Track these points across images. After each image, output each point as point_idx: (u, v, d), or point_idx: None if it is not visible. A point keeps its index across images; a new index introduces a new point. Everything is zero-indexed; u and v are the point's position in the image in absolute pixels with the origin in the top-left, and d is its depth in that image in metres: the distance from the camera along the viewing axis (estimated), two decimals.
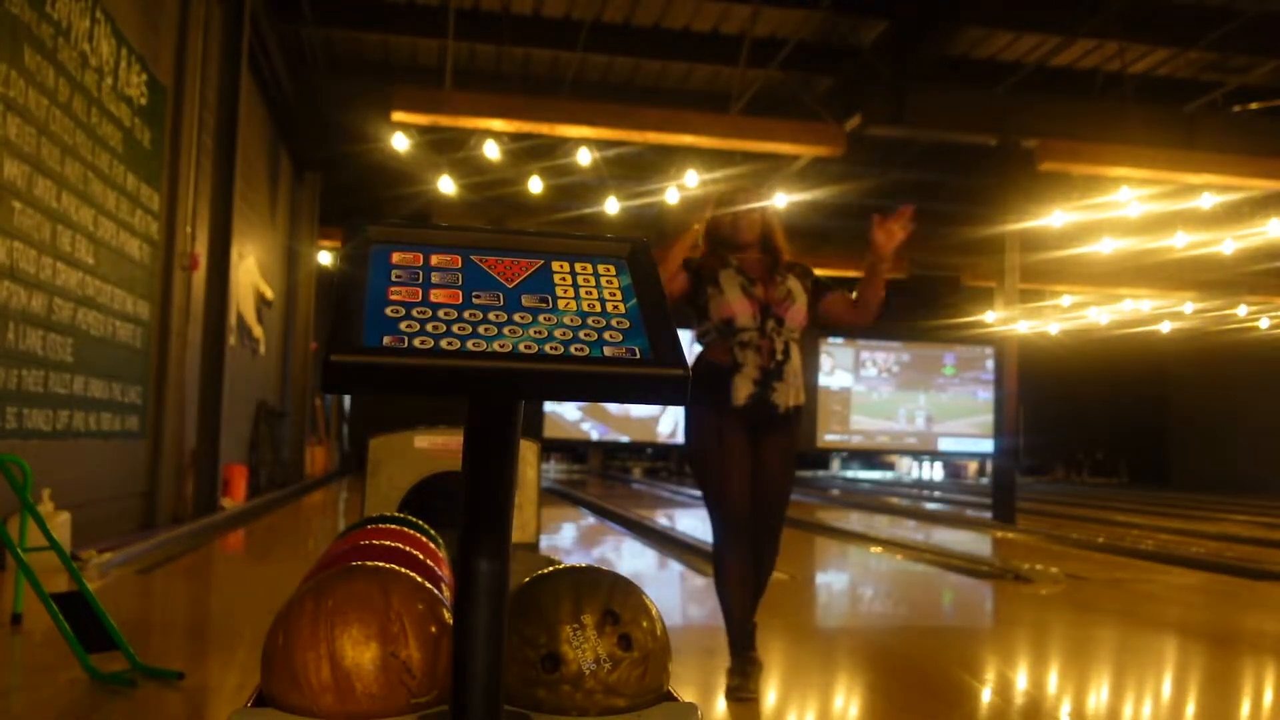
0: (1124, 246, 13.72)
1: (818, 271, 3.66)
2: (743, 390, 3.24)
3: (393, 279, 0.96)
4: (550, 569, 1.26)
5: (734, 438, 3.26)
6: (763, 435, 3.31)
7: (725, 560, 3.29)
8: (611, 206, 13.92)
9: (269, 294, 13.01)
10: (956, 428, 25.90)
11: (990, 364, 23.03)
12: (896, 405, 25.90)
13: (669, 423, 24.70)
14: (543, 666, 1.15)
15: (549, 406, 23.44)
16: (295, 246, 15.27)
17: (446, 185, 13.38)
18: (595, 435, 24.93)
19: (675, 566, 6.92)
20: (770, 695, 3.42)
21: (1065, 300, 18.50)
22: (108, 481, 7.06)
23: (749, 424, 3.28)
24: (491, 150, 11.85)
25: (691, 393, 3.09)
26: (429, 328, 0.90)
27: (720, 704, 3.21)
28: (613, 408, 23.99)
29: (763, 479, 3.28)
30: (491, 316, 0.93)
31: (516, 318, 0.93)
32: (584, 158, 12.26)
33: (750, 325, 3.27)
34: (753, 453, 3.30)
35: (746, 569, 3.29)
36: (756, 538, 3.28)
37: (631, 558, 7.64)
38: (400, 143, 11.62)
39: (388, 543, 1.47)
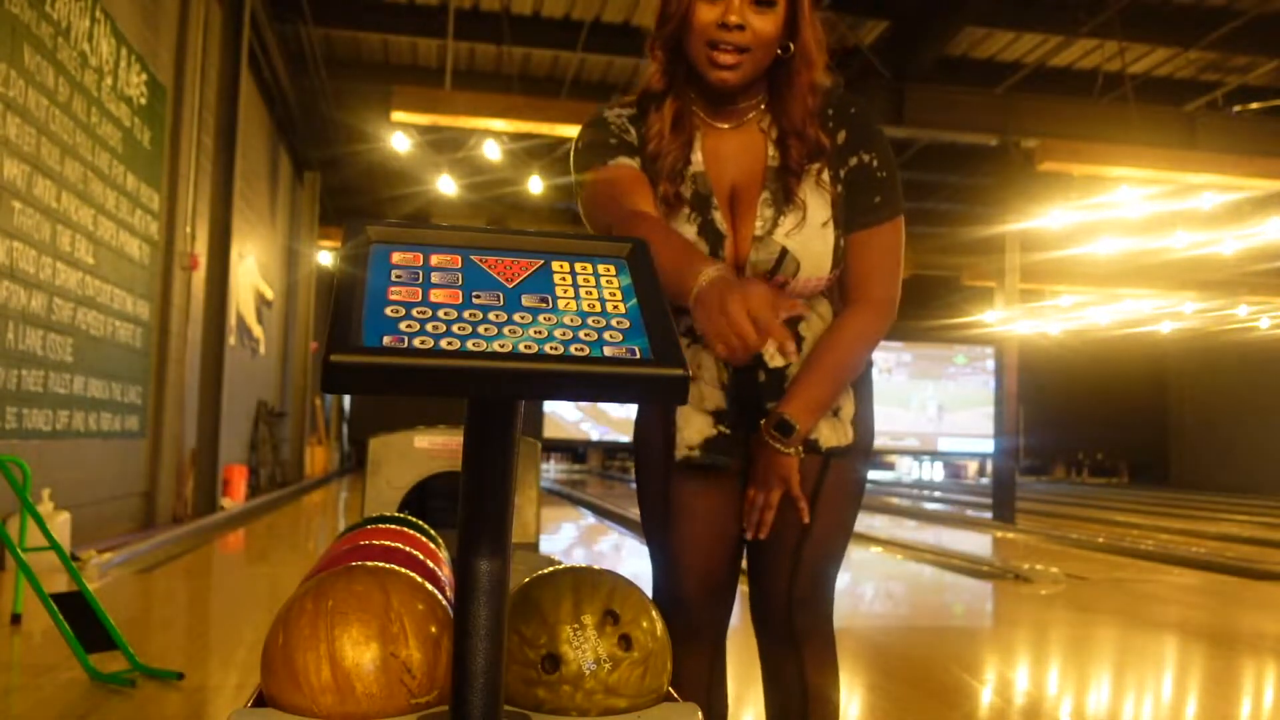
0: (1124, 246, 13.72)
1: None
2: (693, 426, 1.62)
3: (392, 279, 0.96)
4: (550, 569, 1.26)
5: (691, 493, 1.67)
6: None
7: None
8: None
9: (269, 294, 13.01)
10: (969, 418, 25.75)
11: (991, 364, 23.05)
12: (909, 394, 25.78)
13: None
14: (543, 667, 1.15)
15: (549, 406, 23.44)
16: (295, 246, 15.28)
17: (446, 185, 13.39)
18: (595, 435, 24.93)
19: None
20: None
21: (1065, 300, 18.50)
22: (108, 481, 7.06)
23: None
24: (491, 150, 11.85)
25: None
26: (429, 328, 0.90)
27: None
28: (613, 408, 23.99)
29: (779, 546, 1.68)
30: (491, 316, 0.93)
31: (516, 318, 0.93)
32: None
33: None
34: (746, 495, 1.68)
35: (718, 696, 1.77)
36: (786, 644, 1.71)
37: (631, 558, 7.64)
38: (400, 143, 11.62)
39: (387, 543, 1.47)
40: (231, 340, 9.85)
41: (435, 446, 3.08)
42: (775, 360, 1.61)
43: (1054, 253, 14.18)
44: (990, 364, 25.34)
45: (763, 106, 1.63)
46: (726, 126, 1.63)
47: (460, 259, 1.00)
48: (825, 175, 1.61)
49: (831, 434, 1.64)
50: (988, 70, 12.02)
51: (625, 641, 1.16)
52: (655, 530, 1.74)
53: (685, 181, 1.61)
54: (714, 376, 1.63)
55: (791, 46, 1.57)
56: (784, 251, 1.58)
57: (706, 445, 1.63)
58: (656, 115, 1.62)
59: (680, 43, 1.57)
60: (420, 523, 1.74)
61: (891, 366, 25.90)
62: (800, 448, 1.61)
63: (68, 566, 3.69)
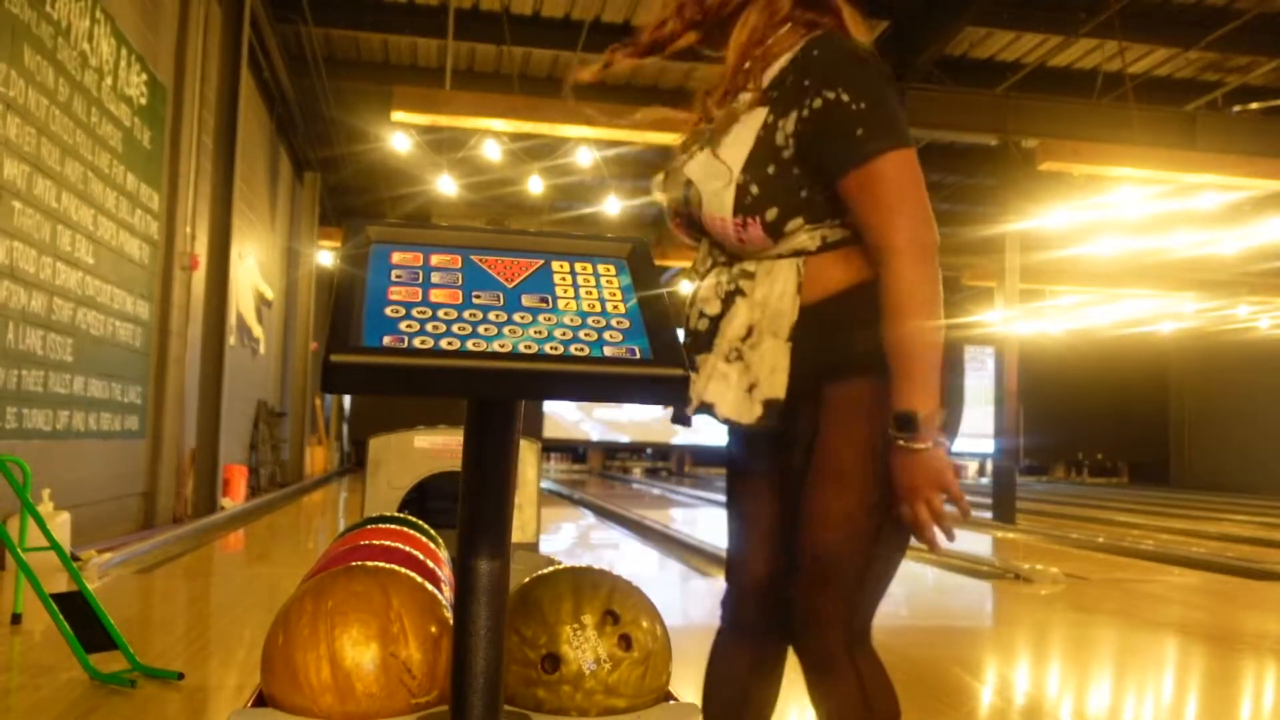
0: (1124, 246, 13.71)
1: None
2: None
3: (392, 279, 0.96)
4: (550, 569, 1.26)
5: (749, 476, 1.62)
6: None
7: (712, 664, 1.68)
8: (612, 206, 13.92)
9: (269, 294, 13.01)
10: (975, 415, 25.66)
11: (990, 363, 23.06)
12: None
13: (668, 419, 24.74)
14: (543, 667, 1.14)
15: (549, 406, 23.44)
16: (295, 246, 15.27)
17: (446, 185, 13.38)
18: (595, 435, 24.93)
19: (675, 566, 6.92)
20: None
21: (1066, 300, 18.50)
22: (108, 481, 7.05)
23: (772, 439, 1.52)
24: (491, 150, 11.84)
25: None
26: (429, 328, 0.90)
27: None
28: (611, 408, 23.99)
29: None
30: (491, 316, 0.93)
31: (516, 318, 0.93)
32: (584, 158, 12.25)
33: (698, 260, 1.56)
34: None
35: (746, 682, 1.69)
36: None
37: (631, 558, 7.63)
38: (400, 143, 11.62)
39: (388, 543, 1.46)
40: (231, 340, 9.85)
41: (435, 446, 3.08)
42: (710, 306, 1.48)
43: (1054, 253, 14.17)
44: (991, 361, 25.35)
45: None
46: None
47: (460, 259, 1.00)
48: (755, 120, 1.44)
49: (736, 408, 1.45)
50: (988, 70, 12.02)
51: (625, 641, 1.16)
52: (728, 518, 1.68)
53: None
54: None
55: None
56: (689, 183, 1.47)
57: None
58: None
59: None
60: (420, 523, 1.74)
61: None
62: (941, 437, 1.37)
63: (68, 566, 3.69)
